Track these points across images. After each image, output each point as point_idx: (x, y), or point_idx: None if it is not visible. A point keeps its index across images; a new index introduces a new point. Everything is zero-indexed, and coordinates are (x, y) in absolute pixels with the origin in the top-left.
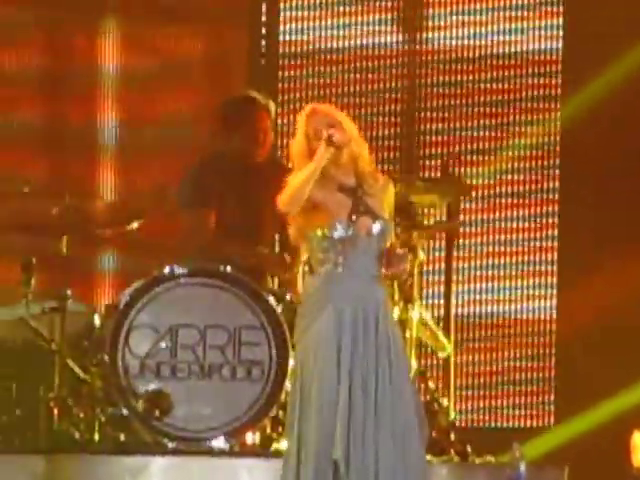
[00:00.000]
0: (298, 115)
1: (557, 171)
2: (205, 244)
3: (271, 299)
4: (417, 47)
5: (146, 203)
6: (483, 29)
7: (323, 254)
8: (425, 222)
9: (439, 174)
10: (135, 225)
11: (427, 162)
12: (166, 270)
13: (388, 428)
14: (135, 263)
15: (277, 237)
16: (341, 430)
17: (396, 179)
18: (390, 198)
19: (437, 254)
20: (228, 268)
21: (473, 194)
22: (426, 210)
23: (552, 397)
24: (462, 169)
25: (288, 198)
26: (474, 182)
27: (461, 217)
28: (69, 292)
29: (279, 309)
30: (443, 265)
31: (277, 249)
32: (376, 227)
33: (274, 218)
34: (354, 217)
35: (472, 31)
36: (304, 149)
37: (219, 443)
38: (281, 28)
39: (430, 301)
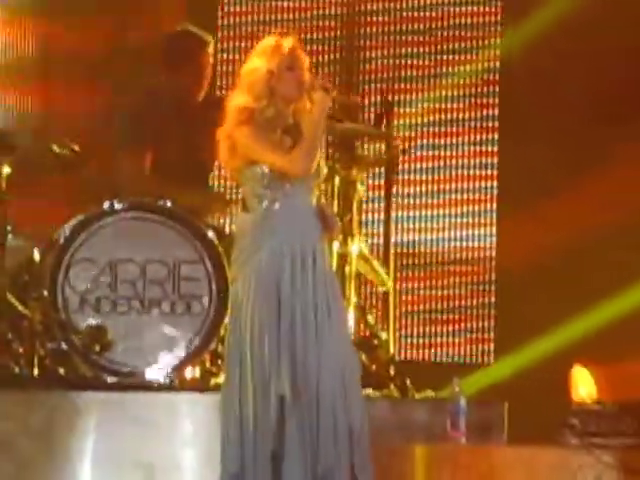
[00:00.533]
0: (258, 43)
1: (496, 99)
2: (142, 187)
3: (210, 233)
4: None
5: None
6: None
7: (262, 191)
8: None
9: (378, 108)
10: (76, 148)
11: (366, 87)
12: (105, 205)
13: (329, 361)
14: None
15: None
16: (286, 365)
17: (332, 115)
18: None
19: (377, 181)
20: (168, 203)
21: (412, 121)
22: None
23: (492, 332)
24: (402, 97)
25: (311, 165)
26: (413, 109)
27: (399, 146)
28: (9, 227)
29: (218, 243)
30: (382, 193)
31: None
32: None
33: (212, 156)
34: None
35: None
36: (265, 79)
37: (159, 377)
38: None
39: (370, 229)
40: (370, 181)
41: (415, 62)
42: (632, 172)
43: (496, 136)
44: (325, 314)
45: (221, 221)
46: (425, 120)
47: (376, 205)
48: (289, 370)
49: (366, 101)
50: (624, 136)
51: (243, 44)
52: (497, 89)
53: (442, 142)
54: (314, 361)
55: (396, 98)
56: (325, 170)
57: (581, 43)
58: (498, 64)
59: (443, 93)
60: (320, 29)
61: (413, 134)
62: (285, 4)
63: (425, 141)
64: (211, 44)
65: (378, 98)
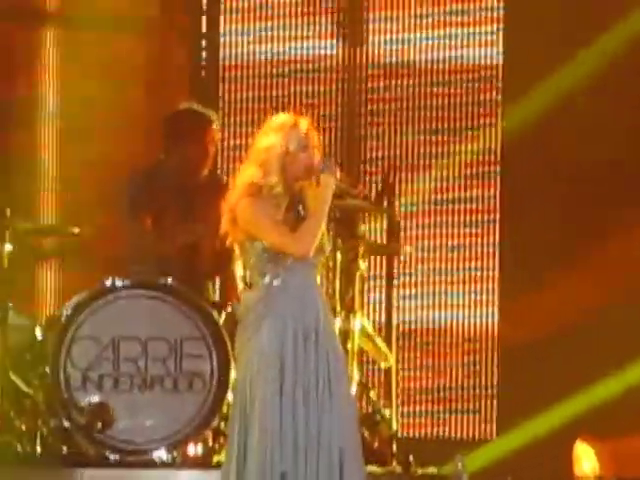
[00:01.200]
0: (274, 118)
1: (498, 178)
2: (143, 243)
3: (212, 310)
4: (358, 54)
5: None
6: (424, 34)
7: (263, 266)
8: (366, 235)
9: (379, 186)
10: (76, 230)
11: (368, 167)
12: (107, 282)
13: (327, 441)
14: (76, 275)
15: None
16: (288, 443)
17: (339, 194)
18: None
19: (379, 259)
20: (169, 280)
21: (414, 199)
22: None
23: (494, 408)
24: (405, 175)
25: (312, 246)
26: (415, 187)
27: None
28: (10, 305)
29: (220, 320)
30: (384, 271)
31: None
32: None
33: (212, 237)
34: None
35: (412, 36)
36: (279, 156)
37: (161, 455)
38: (221, 40)
39: (371, 316)
40: (371, 258)
41: (416, 140)
42: (638, 252)
43: (497, 216)
44: (327, 392)
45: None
46: (426, 198)
47: (377, 282)
48: (291, 448)
49: (367, 178)
50: (631, 216)
51: (244, 119)
52: (497, 168)
53: (443, 220)
54: (316, 441)
55: (397, 176)
56: (329, 247)
57: (580, 120)
58: (499, 143)
59: (444, 172)
60: (322, 105)
61: (414, 212)
62: (285, 80)
63: (426, 220)
64: (216, 122)
65: (379, 176)
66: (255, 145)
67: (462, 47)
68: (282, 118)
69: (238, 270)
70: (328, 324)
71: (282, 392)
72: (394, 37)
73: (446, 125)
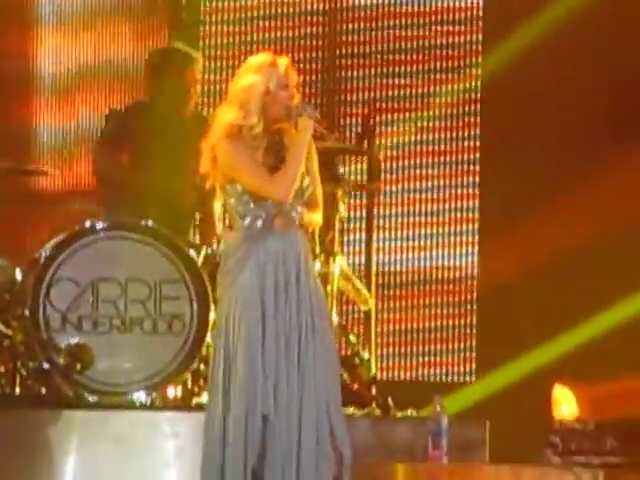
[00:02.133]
0: (252, 58)
1: (478, 118)
2: (116, 176)
3: (191, 252)
4: (339, 3)
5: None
6: None
7: (243, 208)
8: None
9: (360, 128)
10: (49, 170)
11: (348, 109)
12: (87, 224)
13: (311, 382)
14: (57, 216)
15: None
16: (270, 385)
17: (319, 136)
18: (312, 154)
19: (357, 201)
20: (149, 222)
21: (394, 141)
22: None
23: (473, 351)
24: (384, 117)
25: (290, 192)
26: (395, 128)
27: (381, 175)
28: None
29: (199, 262)
30: (364, 218)
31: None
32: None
33: (195, 173)
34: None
35: None
36: (260, 95)
37: (140, 397)
38: None
39: (351, 249)
40: (351, 200)
41: (396, 82)
42: (616, 192)
43: (477, 155)
44: (309, 333)
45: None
46: (406, 140)
47: (357, 224)
48: (273, 390)
49: (347, 121)
50: (605, 155)
51: (225, 64)
52: (479, 108)
53: (423, 162)
54: (298, 383)
55: (377, 118)
56: (310, 190)
57: (563, 62)
58: (480, 83)
59: (424, 113)
60: (302, 49)
61: (394, 154)
62: (266, 24)
63: (406, 161)
64: (199, 61)
65: (359, 119)
66: (234, 85)
67: None
68: (261, 57)
69: (217, 209)
70: (310, 267)
71: (264, 337)
72: None
73: (426, 67)
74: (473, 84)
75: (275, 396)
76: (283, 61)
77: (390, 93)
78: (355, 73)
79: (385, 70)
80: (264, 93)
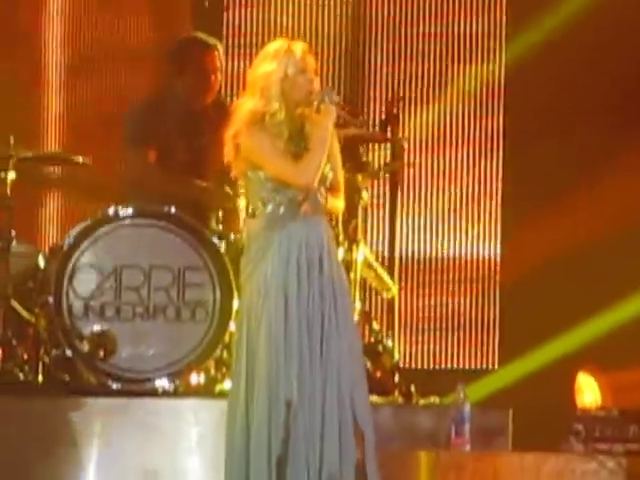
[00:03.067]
0: (268, 45)
1: (501, 110)
2: (146, 181)
3: (215, 239)
4: None
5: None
6: None
7: (267, 194)
8: (369, 163)
9: (383, 115)
10: (82, 159)
11: (372, 105)
12: (110, 211)
13: (334, 369)
14: (80, 204)
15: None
16: (294, 372)
17: (342, 123)
18: (333, 139)
19: (382, 195)
20: (172, 209)
21: (418, 132)
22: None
23: (496, 339)
24: (406, 113)
25: (315, 175)
26: (418, 125)
27: (405, 159)
28: (13, 233)
29: (223, 249)
30: (388, 206)
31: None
32: None
33: (218, 160)
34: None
35: None
36: (278, 81)
37: (163, 384)
38: None
39: (375, 242)
40: (375, 190)
41: (420, 66)
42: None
43: (501, 150)
44: (333, 322)
45: (226, 221)
46: (430, 132)
47: (381, 213)
48: (296, 377)
49: (370, 106)
50: (633, 145)
51: (248, 51)
52: (502, 100)
53: (446, 154)
54: (320, 370)
55: (400, 105)
56: (331, 176)
57: (588, 51)
58: (504, 70)
59: (448, 103)
60: (325, 35)
61: (418, 145)
62: (291, 10)
63: (430, 153)
64: (219, 50)
65: (383, 105)
66: (252, 73)
67: None
68: (276, 44)
69: (241, 201)
70: (333, 254)
71: (287, 323)
72: None
73: (449, 51)
74: (497, 70)
75: (298, 383)
76: (299, 46)
77: (414, 79)
78: (379, 57)
79: (409, 54)
80: (283, 79)
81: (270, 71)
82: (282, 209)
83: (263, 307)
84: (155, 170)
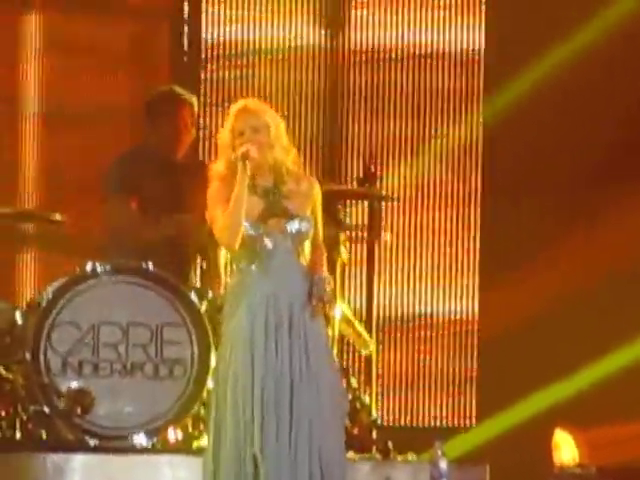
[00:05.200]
0: (229, 108)
1: (479, 172)
2: (129, 227)
3: (193, 296)
4: (340, 46)
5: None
6: (405, 28)
7: (239, 252)
8: (347, 222)
9: (361, 174)
10: (58, 217)
11: (349, 162)
12: (88, 267)
13: (305, 429)
14: (58, 260)
15: None
16: (257, 427)
17: (319, 182)
18: (315, 199)
19: (360, 252)
20: (150, 265)
21: (395, 195)
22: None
23: (474, 396)
24: (384, 171)
25: (227, 234)
26: (396, 183)
27: (382, 222)
28: None
29: (201, 306)
30: (365, 263)
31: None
32: (292, 226)
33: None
34: (265, 218)
35: (394, 31)
36: (228, 143)
37: (141, 440)
38: (203, 27)
39: (352, 303)
40: (353, 246)
41: (398, 129)
42: (618, 235)
43: (478, 208)
44: (304, 379)
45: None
46: (408, 190)
47: (358, 279)
48: (260, 431)
49: (348, 167)
50: (609, 200)
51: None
52: (479, 160)
53: (425, 216)
54: (289, 427)
55: (378, 165)
56: (310, 228)
57: (563, 109)
58: (481, 129)
59: (426, 167)
60: (303, 94)
61: (395, 206)
62: (268, 68)
63: (407, 215)
64: (194, 104)
65: (360, 165)
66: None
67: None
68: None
69: (221, 255)
70: (305, 308)
71: (253, 380)
72: (375, 21)
73: (427, 110)
74: (475, 130)
75: (263, 440)
76: (241, 104)
77: (391, 147)
78: (356, 126)
79: (387, 113)
80: (229, 138)
81: (221, 131)
82: (254, 265)
83: (230, 362)
84: (137, 215)
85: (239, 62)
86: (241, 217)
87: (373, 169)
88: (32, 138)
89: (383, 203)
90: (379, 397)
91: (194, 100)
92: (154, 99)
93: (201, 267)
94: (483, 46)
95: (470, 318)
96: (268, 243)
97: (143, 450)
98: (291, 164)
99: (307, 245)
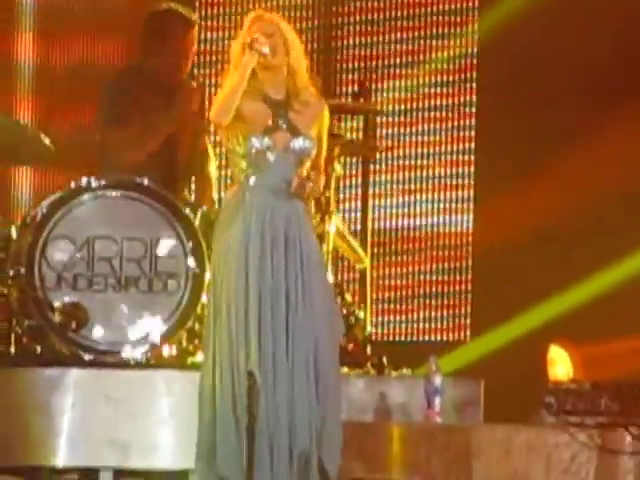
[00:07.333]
0: (245, 18)
1: (474, 84)
2: (126, 156)
3: (187, 211)
4: None
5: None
6: None
7: (239, 166)
8: (342, 135)
9: (356, 89)
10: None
11: (344, 76)
12: (83, 182)
13: (302, 343)
14: (52, 175)
15: None
16: (254, 345)
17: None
18: (323, 121)
19: (354, 168)
20: (145, 180)
21: (390, 108)
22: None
23: (468, 310)
24: (379, 84)
25: (217, 109)
26: (391, 95)
27: (377, 133)
28: None
29: (195, 220)
30: (360, 179)
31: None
32: (296, 143)
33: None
34: (271, 131)
35: None
36: (240, 55)
37: (135, 355)
38: None
39: (347, 215)
40: (348, 167)
41: (392, 49)
42: (614, 151)
43: (473, 122)
44: (299, 297)
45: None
46: (402, 107)
47: (353, 192)
48: (257, 349)
49: (342, 89)
50: (606, 117)
51: (220, 35)
52: (475, 75)
53: (419, 129)
54: (286, 341)
55: (373, 84)
56: (313, 148)
57: (559, 25)
58: (476, 49)
59: (420, 80)
60: (297, 19)
61: (390, 121)
62: None
63: (402, 129)
64: (195, 25)
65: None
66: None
67: None
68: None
69: (213, 172)
70: (302, 225)
71: (247, 294)
72: None
73: (422, 33)
74: (469, 50)
75: (261, 354)
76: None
77: (385, 62)
78: (350, 41)
79: (381, 37)
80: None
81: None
82: (252, 180)
83: (225, 276)
84: (130, 144)
85: None
86: (236, 98)
87: (367, 84)
88: (29, 56)
89: (378, 117)
90: (373, 312)
91: (195, 19)
92: (155, 18)
93: (195, 184)
94: None
95: (465, 231)
96: (270, 157)
97: (137, 365)
98: (306, 79)
99: (307, 165)
